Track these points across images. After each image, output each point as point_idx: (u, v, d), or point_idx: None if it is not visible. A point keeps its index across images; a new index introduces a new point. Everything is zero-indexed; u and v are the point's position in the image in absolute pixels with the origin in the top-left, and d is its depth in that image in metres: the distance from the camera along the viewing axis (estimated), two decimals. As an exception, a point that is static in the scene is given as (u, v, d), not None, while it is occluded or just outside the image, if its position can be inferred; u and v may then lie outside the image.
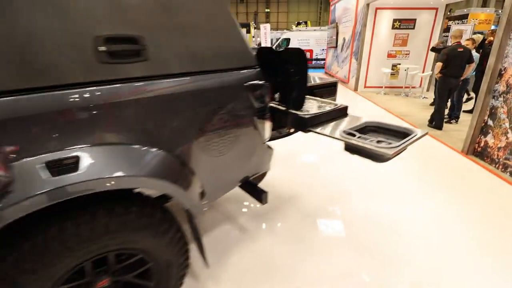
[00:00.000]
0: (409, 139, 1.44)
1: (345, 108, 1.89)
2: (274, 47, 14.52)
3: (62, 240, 0.94)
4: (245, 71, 1.52)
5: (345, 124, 1.75)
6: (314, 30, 14.90)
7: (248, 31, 19.11)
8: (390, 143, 1.44)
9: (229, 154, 1.54)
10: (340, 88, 8.93)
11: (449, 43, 6.38)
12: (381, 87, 7.91)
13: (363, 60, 7.98)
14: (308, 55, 14.53)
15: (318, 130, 1.63)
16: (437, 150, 3.87)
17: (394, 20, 7.55)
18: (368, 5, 7.35)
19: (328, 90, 2.64)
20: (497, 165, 3.30)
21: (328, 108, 1.85)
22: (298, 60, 1.70)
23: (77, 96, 0.97)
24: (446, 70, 4.39)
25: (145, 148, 1.17)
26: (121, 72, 1.09)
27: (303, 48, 12.36)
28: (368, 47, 7.83)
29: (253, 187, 1.88)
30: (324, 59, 13.40)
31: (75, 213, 0.98)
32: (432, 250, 1.96)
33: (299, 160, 3.42)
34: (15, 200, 0.82)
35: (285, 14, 33.67)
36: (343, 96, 7.65)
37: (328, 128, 1.66)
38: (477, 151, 3.63)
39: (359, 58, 8.00)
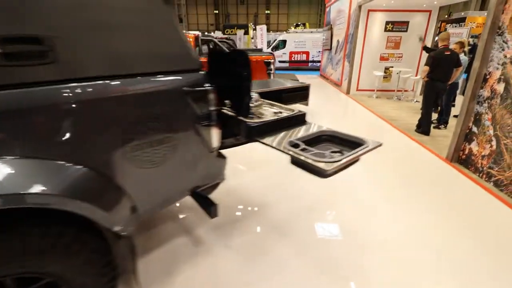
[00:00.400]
0: (358, 151, 1.31)
1: (303, 115, 1.76)
2: (270, 49, 14.44)
3: None
4: (184, 74, 1.40)
5: (300, 132, 1.63)
6: (311, 32, 14.79)
7: (246, 33, 19.05)
8: (341, 154, 1.32)
9: (166, 164, 1.41)
10: (333, 91, 8.84)
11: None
12: (373, 90, 7.78)
13: (355, 63, 7.85)
14: (304, 57, 14.42)
15: (266, 140, 1.50)
16: (422, 156, 3.74)
17: (387, 23, 7.43)
18: (360, 7, 7.24)
19: (299, 94, 2.53)
20: (480, 174, 3.17)
21: (284, 114, 1.72)
22: (242, 63, 1.58)
23: None
24: (433, 74, 4.26)
25: (56, 162, 1.05)
26: (19, 76, 0.97)
27: (299, 50, 12.26)
28: (361, 49, 7.71)
29: (202, 199, 1.75)
30: (320, 62, 13.31)
31: None
32: (402, 262, 1.82)
33: (271, 166, 3.29)
34: None
35: (285, 15, 33.63)
36: (333, 99, 7.54)
37: (279, 137, 1.54)
38: (461, 158, 3.50)
39: (351, 60, 7.88)
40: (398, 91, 7.54)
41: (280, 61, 14.30)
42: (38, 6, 1.00)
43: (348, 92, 8.20)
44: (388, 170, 3.21)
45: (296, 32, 15.75)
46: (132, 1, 1.22)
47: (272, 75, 5.00)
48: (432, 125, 4.68)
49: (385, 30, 7.49)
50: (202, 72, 1.46)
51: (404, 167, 3.37)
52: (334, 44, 9.92)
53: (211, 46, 5.39)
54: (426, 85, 4.44)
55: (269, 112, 1.82)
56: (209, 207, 1.70)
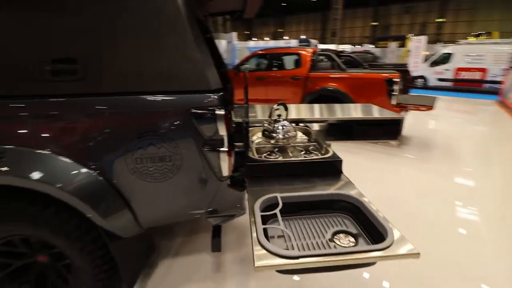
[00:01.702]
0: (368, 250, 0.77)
1: (336, 163, 1.25)
2: (428, 64, 11.97)
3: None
4: (194, 95, 1.32)
5: (316, 187, 1.16)
6: (495, 43, 11.12)
7: (403, 45, 16.82)
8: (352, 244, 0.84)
9: (168, 182, 1.39)
10: None
11: None
12: None
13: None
14: (478, 75, 11.05)
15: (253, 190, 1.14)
16: None
17: None
18: None
19: (384, 129, 1.89)
20: None
21: (308, 156, 1.29)
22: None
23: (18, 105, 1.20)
24: None
25: (68, 160, 1.27)
26: (57, 89, 1.22)
27: (471, 66, 9.65)
28: None
29: (214, 228, 1.61)
30: (501, 82, 9.79)
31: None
32: None
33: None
34: None
35: (465, 24, 27.10)
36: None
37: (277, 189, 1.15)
38: None
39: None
40: None
41: (439, 79, 11.65)
42: (74, 36, 1.21)
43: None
44: None
45: (470, 43, 12.30)
46: (147, 30, 1.27)
47: (395, 98, 4.09)
48: None
49: None
50: (216, 94, 1.33)
51: None
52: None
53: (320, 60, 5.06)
54: None
55: (300, 148, 1.44)
56: (213, 238, 1.55)
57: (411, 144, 4.54)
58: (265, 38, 39.95)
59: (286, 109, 1.78)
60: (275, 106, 1.75)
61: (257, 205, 1.07)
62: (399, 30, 29.65)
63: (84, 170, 1.29)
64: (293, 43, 16.02)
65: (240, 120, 1.69)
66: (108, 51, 1.25)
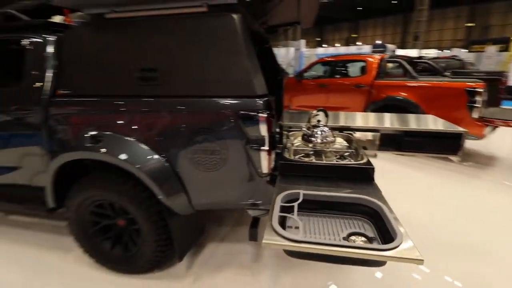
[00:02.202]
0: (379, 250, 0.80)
1: (368, 170, 1.26)
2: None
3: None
4: (242, 99, 1.52)
5: (342, 191, 1.19)
6: None
7: (506, 49, 14.25)
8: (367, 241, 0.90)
9: (216, 172, 1.63)
10: None
11: None
12: None
13: None
14: None
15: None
16: None
17: None
18: None
19: (441, 142, 1.77)
20: None
21: (340, 162, 1.32)
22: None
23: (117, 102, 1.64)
24: None
25: (146, 147, 1.63)
26: (142, 91, 1.60)
27: None
28: None
29: (253, 219, 1.78)
30: None
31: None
32: None
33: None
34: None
35: None
36: None
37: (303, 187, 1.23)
38: None
39: None
40: None
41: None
42: (157, 52, 1.57)
43: None
44: None
45: None
46: (209, 47, 1.53)
47: (477, 111, 3.58)
48: None
49: None
50: (261, 99, 1.51)
51: None
52: None
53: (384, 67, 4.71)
54: None
55: (335, 150, 1.48)
56: (251, 228, 1.72)
57: (492, 165, 3.90)
58: (336, 44, 38.75)
59: (326, 115, 1.84)
60: (315, 112, 1.83)
61: (280, 197, 1.19)
62: (502, 31, 24.97)
63: (156, 156, 1.62)
64: (366, 49, 15.19)
65: (287, 123, 1.82)
66: (179, 63, 1.56)
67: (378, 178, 1.38)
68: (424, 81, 4.13)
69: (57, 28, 1.89)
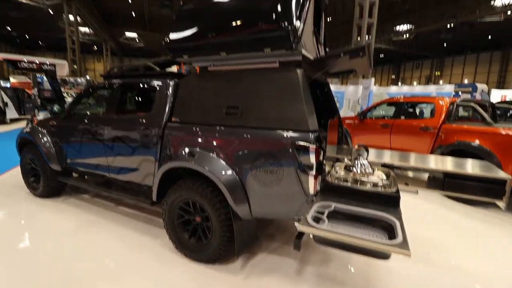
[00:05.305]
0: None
1: (394, 198, 1.49)
2: None
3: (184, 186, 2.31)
4: (298, 132, 1.98)
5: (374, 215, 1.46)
6: None
7: None
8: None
9: (272, 189, 2.08)
10: None
11: None
12: None
13: None
14: None
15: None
16: None
17: None
18: None
19: (486, 188, 1.85)
20: None
21: (369, 188, 1.58)
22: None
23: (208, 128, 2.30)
24: None
25: (224, 163, 2.22)
26: (229, 122, 2.23)
27: None
28: None
29: (299, 232, 2.12)
30: None
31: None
32: None
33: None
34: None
35: None
36: None
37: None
38: None
39: None
40: None
41: None
42: (237, 94, 2.20)
43: None
44: None
45: None
46: (276, 93, 2.07)
47: None
48: None
49: None
50: (312, 134, 1.94)
51: None
52: None
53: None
54: None
55: (371, 180, 1.75)
56: (296, 239, 2.07)
57: None
58: (414, 83, 36.34)
59: (366, 150, 2.12)
60: (356, 147, 2.14)
61: (316, 205, 1.56)
62: None
63: (230, 170, 2.18)
64: (448, 88, 14.06)
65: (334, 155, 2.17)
66: (254, 103, 2.14)
67: (406, 209, 1.57)
68: (503, 128, 3.86)
69: (175, 76, 2.75)
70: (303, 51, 2.09)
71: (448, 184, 1.89)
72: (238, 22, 2.06)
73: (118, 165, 2.94)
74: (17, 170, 4.71)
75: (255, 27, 1.99)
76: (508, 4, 18.73)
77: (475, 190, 1.81)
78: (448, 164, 2.10)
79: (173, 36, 2.33)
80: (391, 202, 1.58)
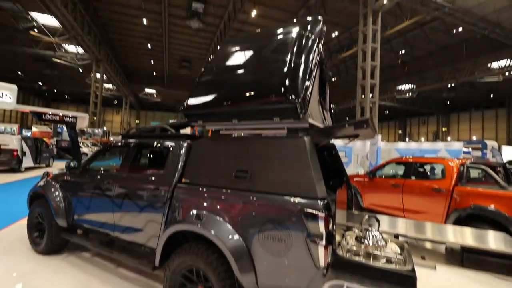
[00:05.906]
0: None
1: (409, 279, 1.38)
2: None
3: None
4: (305, 199, 1.97)
5: None
6: None
7: None
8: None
9: (280, 258, 1.98)
10: None
11: None
12: None
13: None
14: None
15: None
16: None
17: None
18: None
19: (506, 264, 1.72)
20: None
21: (382, 265, 1.48)
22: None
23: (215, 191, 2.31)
24: None
25: (230, 227, 2.17)
26: (236, 185, 2.25)
27: None
28: None
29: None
30: None
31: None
32: None
33: None
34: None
35: None
36: None
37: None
38: None
39: None
40: None
41: None
42: (247, 158, 2.26)
43: None
44: None
45: None
46: (285, 160, 2.12)
47: None
48: None
49: None
50: (321, 201, 1.92)
51: None
52: None
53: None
54: None
55: (384, 254, 1.65)
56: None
57: None
58: (422, 138, 36.61)
59: (377, 221, 2.05)
60: (366, 217, 2.08)
61: (328, 284, 1.46)
62: None
63: (236, 236, 2.12)
64: (457, 145, 14.06)
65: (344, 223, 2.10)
66: (263, 168, 2.18)
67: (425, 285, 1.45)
68: (520, 192, 3.74)
69: (188, 137, 2.88)
70: (310, 120, 2.21)
71: (467, 260, 1.77)
72: (251, 93, 2.24)
73: (124, 224, 2.90)
74: (20, 224, 4.69)
75: (266, 99, 2.14)
76: (505, 66, 19.80)
77: (496, 266, 1.68)
78: (467, 236, 2.00)
79: (191, 102, 2.51)
80: (407, 283, 1.47)
